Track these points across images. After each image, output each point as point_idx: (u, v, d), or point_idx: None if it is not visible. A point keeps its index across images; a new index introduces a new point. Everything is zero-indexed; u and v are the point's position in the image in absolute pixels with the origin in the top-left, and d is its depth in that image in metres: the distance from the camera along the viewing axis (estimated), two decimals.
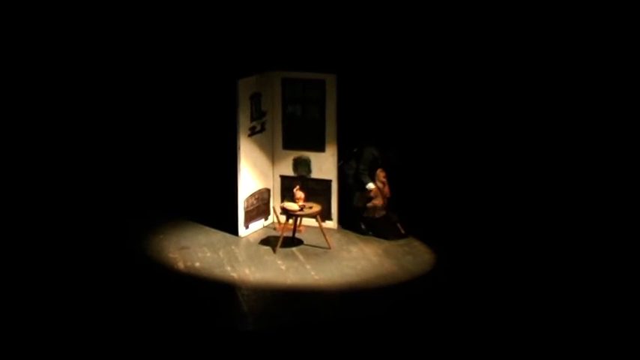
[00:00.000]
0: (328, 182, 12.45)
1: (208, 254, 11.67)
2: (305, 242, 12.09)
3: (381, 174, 12.19)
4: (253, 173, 12.34)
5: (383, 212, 12.20)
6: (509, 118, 12.84)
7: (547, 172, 12.58)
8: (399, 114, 13.15)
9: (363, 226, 12.33)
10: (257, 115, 12.27)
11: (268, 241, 12.10)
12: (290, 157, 12.58)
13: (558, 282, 10.54)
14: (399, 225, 12.14)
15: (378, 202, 12.18)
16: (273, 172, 12.70)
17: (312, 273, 11.11)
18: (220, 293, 10.53)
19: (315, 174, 12.49)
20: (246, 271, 11.16)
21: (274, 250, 11.79)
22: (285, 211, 12.04)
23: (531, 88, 12.65)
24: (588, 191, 12.26)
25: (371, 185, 12.15)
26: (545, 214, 12.26)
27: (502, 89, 12.80)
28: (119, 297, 10.28)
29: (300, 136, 12.48)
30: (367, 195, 12.18)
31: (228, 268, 11.22)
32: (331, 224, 12.53)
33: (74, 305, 10.00)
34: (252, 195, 12.39)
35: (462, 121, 13.09)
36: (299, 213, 11.92)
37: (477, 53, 12.76)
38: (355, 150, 12.28)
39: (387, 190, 12.23)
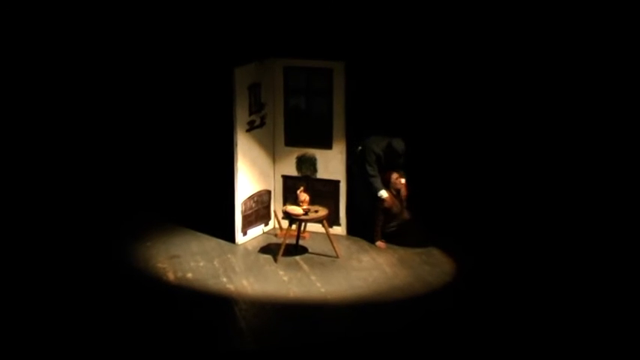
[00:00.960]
0: (336, 183, 12.31)
1: (201, 264, 11.57)
2: (310, 250, 12.00)
3: (397, 180, 11.97)
4: (252, 173, 12.21)
5: (402, 218, 12.07)
6: (535, 111, 12.87)
7: (583, 174, 12.64)
8: (416, 106, 13.10)
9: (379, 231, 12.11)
10: (256, 107, 12.13)
11: (269, 249, 12.04)
12: (293, 154, 12.45)
13: (594, 298, 10.44)
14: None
15: (395, 210, 12.02)
16: (274, 172, 12.58)
17: (318, 285, 11.03)
18: (215, 308, 10.46)
19: (322, 174, 12.35)
20: (244, 282, 11.08)
21: (275, 260, 11.71)
22: (287, 215, 11.92)
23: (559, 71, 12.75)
24: (624, 199, 12.29)
25: (384, 194, 11.93)
26: (582, 220, 12.22)
27: (531, 79, 12.83)
28: (100, 312, 10.21)
29: (304, 132, 12.34)
30: (381, 205, 11.96)
31: (224, 280, 11.13)
32: (339, 230, 12.40)
33: (49, 323, 9.93)
34: (251, 197, 12.27)
35: (488, 113, 13.08)
36: (303, 217, 11.80)
37: (506, 36, 12.83)
38: (360, 148, 12.15)
39: (404, 194, 12.02)
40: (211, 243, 12.13)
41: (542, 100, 12.81)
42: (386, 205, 11.89)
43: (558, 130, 12.75)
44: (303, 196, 11.81)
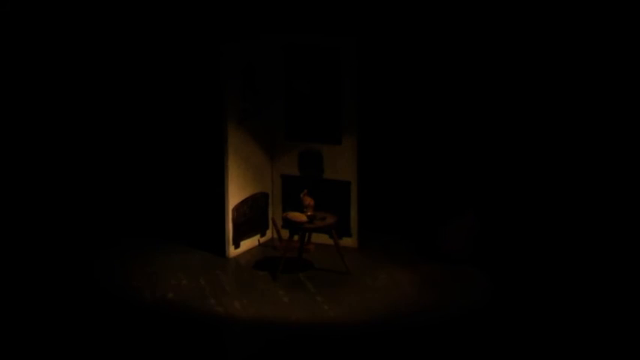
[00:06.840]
0: (346, 185, 12.29)
1: (184, 282, 11.57)
2: (315, 266, 11.98)
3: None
4: (245, 173, 12.25)
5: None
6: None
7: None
8: (441, 91, 13.02)
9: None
10: (250, 94, 12.14)
11: (266, 265, 12.03)
12: (295, 150, 12.48)
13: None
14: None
15: None
16: (272, 172, 12.61)
17: (326, 307, 10.97)
18: (201, 334, 10.35)
19: (329, 173, 12.39)
20: (236, 304, 11.02)
21: (274, 277, 11.65)
22: (288, 223, 11.86)
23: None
24: None
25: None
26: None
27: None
28: (61, 340, 10.12)
29: (308, 123, 12.39)
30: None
31: (212, 301, 11.10)
32: (350, 242, 12.37)
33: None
34: (244, 202, 12.25)
35: (525, 104, 12.85)
36: (307, 226, 11.76)
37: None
38: None
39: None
40: (196, 257, 12.16)
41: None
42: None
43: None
44: (307, 201, 11.76)
